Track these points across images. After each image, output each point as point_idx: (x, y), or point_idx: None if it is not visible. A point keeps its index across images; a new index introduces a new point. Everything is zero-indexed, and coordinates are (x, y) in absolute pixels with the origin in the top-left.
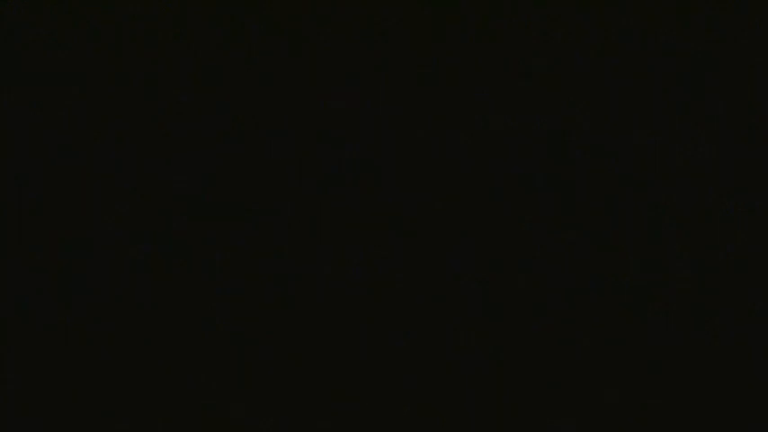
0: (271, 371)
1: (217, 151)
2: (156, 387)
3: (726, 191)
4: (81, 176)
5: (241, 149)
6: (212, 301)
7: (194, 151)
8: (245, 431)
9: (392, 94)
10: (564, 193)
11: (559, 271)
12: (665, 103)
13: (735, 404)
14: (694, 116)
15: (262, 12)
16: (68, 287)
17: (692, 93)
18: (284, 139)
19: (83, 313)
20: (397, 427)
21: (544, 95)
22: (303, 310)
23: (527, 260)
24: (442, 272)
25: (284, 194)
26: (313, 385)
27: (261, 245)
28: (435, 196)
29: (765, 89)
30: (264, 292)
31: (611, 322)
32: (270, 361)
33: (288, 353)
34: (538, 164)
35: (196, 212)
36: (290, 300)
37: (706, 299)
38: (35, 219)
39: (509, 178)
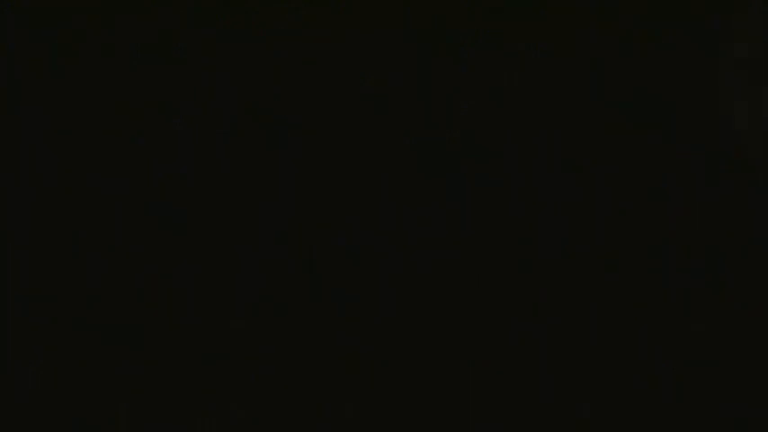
0: (269, 372)
1: (216, 151)
2: (155, 387)
3: (725, 191)
4: (80, 176)
5: (240, 150)
6: (212, 302)
7: (194, 152)
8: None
9: (392, 94)
10: (564, 193)
11: (559, 271)
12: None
13: (735, 404)
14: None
15: (261, 12)
16: (67, 287)
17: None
18: (284, 139)
19: (81, 313)
20: (395, 428)
21: (544, 97)
22: (302, 311)
23: (527, 260)
24: (442, 271)
25: (284, 194)
26: (311, 386)
27: (260, 245)
28: (435, 195)
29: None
30: (264, 292)
31: (612, 321)
32: (269, 362)
33: (287, 353)
34: (538, 165)
35: (195, 212)
36: (289, 300)
37: (704, 299)
38: (35, 218)
39: (509, 178)
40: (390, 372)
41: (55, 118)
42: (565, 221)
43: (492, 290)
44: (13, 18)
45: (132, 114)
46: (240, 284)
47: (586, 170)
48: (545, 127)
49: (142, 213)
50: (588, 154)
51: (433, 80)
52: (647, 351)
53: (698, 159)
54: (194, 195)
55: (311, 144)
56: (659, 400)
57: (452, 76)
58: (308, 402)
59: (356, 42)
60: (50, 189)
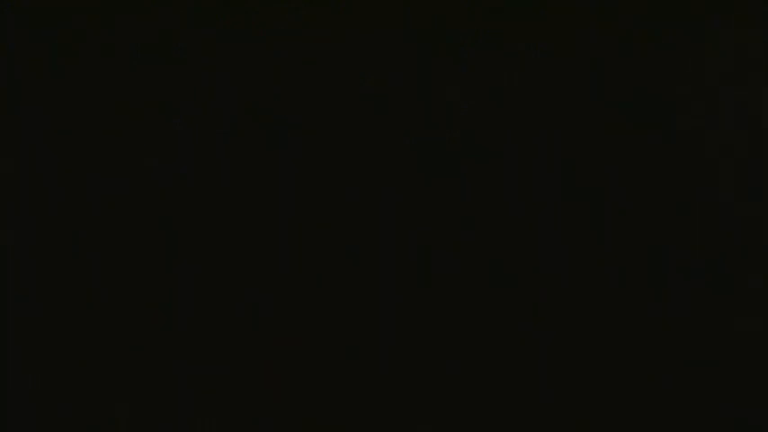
0: (269, 371)
1: (216, 151)
2: (155, 387)
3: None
4: (80, 176)
5: (240, 150)
6: (212, 302)
7: (194, 152)
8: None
9: (392, 94)
10: (564, 193)
11: (559, 270)
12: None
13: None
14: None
15: (261, 12)
16: (68, 287)
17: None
18: (284, 139)
19: (81, 313)
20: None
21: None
22: (302, 311)
23: (527, 260)
24: (442, 271)
25: (284, 194)
26: (311, 386)
27: (260, 245)
28: (435, 195)
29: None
30: (264, 292)
31: (611, 321)
32: (269, 362)
33: (287, 353)
34: (538, 165)
35: (196, 212)
36: (288, 299)
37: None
38: (35, 218)
39: (509, 178)
40: (391, 371)
41: (55, 118)
42: (564, 221)
43: (491, 289)
44: (13, 18)
45: (132, 114)
46: (240, 284)
47: (586, 170)
48: (545, 127)
49: (142, 213)
50: (588, 154)
51: (433, 80)
52: (646, 350)
53: (698, 159)
54: (194, 195)
55: (311, 144)
56: (659, 400)
57: (452, 76)
58: (308, 402)
59: (356, 42)
60: (50, 189)
